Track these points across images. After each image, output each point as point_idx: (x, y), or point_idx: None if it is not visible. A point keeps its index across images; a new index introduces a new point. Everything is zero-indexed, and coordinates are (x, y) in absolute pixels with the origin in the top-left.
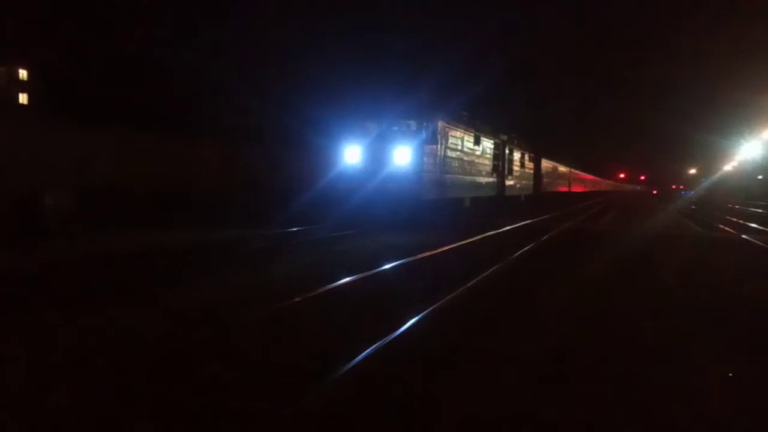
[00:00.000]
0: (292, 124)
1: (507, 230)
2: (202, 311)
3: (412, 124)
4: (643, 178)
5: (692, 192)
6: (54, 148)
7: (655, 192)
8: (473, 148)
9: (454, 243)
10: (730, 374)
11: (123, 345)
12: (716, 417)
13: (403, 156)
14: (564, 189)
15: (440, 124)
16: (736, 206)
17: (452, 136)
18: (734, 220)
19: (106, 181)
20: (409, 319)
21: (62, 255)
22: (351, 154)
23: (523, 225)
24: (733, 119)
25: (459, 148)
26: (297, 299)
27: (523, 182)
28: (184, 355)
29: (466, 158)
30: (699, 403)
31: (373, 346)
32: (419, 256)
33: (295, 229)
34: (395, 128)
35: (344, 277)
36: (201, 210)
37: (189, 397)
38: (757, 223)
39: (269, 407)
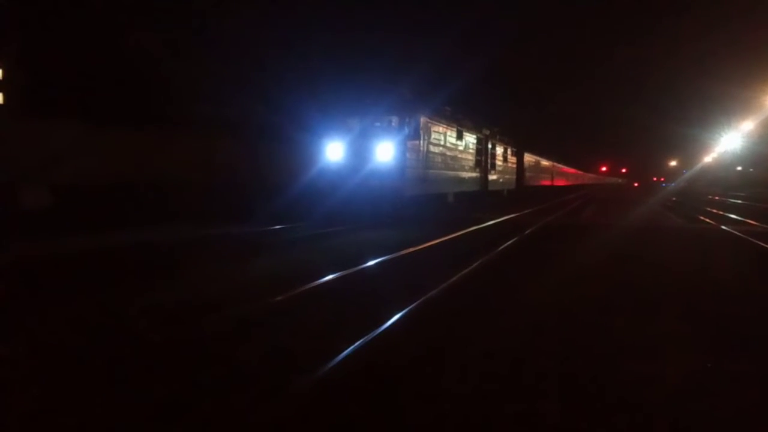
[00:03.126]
0: (274, 119)
1: (490, 225)
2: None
3: (395, 119)
4: (624, 170)
5: (673, 184)
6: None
7: (636, 184)
8: (456, 143)
9: (438, 239)
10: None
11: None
12: None
13: (385, 152)
14: (547, 183)
15: (423, 119)
16: (716, 197)
17: (435, 132)
18: (714, 211)
19: (75, 177)
20: (393, 315)
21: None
22: (334, 151)
23: (507, 219)
24: (713, 112)
25: (442, 143)
26: (279, 298)
27: (506, 177)
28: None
29: (449, 153)
30: None
31: (358, 342)
32: (403, 252)
33: (278, 226)
34: (378, 124)
35: (329, 275)
36: (180, 207)
37: (170, 395)
38: (735, 214)
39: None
